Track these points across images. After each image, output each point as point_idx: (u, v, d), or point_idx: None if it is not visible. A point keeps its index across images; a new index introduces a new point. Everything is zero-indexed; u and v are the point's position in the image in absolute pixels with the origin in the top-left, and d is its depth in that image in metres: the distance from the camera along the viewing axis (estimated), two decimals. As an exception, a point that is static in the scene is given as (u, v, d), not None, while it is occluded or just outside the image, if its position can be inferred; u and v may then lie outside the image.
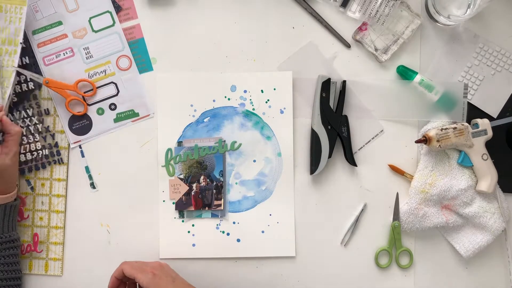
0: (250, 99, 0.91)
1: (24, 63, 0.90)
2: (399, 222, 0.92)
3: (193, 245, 0.92)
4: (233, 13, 0.92)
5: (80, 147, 0.91)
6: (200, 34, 0.92)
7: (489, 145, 0.90)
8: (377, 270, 0.93)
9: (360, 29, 0.92)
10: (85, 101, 0.91)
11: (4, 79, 0.88)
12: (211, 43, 0.92)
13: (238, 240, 0.92)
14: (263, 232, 0.92)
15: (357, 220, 0.93)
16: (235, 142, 0.92)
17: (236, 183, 0.92)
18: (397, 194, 0.93)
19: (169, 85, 0.92)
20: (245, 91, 0.91)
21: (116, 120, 0.92)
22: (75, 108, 0.91)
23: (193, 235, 0.92)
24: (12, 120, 0.89)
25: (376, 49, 0.91)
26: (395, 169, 0.93)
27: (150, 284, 0.77)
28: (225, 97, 0.92)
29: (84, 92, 0.91)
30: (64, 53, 0.91)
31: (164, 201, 0.91)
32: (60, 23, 0.91)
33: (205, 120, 0.92)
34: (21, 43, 0.88)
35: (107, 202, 0.92)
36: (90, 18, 0.91)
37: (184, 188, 0.91)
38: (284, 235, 0.92)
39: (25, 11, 0.88)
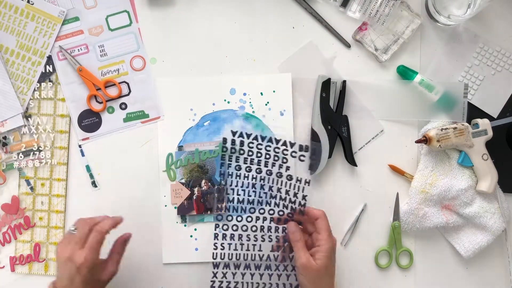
0: (250, 102, 0.91)
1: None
2: (399, 222, 0.92)
3: (196, 249, 0.91)
4: (233, 13, 0.92)
5: (79, 146, 0.91)
6: (200, 34, 0.92)
7: (489, 145, 0.90)
8: (377, 270, 0.93)
9: (360, 29, 0.91)
10: (105, 99, 0.92)
11: (23, 86, 0.90)
12: (211, 43, 0.92)
13: None
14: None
15: (357, 220, 0.93)
16: (236, 145, 0.92)
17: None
18: (397, 194, 0.93)
19: (168, 89, 0.91)
20: (244, 94, 0.91)
21: (125, 120, 0.92)
22: (91, 104, 0.92)
23: (196, 239, 0.91)
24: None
25: (376, 49, 0.91)
26: (395, 169, 0.92)
27: None
28: (225, 100, 0.91)
29: (105, 88, 0.91)
30: (78, 49, 0.91)
31: (166, 206, 0.91)
32: (77, 18, 0.91)
33: (205, 123, 0.91)
34: (47, 56, 0.90)
35: (107, 202, 0.92)
36: (107, 16, 0.91)
37: (186, 192, 0.91)
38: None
39: (58, 28, 0.89)
